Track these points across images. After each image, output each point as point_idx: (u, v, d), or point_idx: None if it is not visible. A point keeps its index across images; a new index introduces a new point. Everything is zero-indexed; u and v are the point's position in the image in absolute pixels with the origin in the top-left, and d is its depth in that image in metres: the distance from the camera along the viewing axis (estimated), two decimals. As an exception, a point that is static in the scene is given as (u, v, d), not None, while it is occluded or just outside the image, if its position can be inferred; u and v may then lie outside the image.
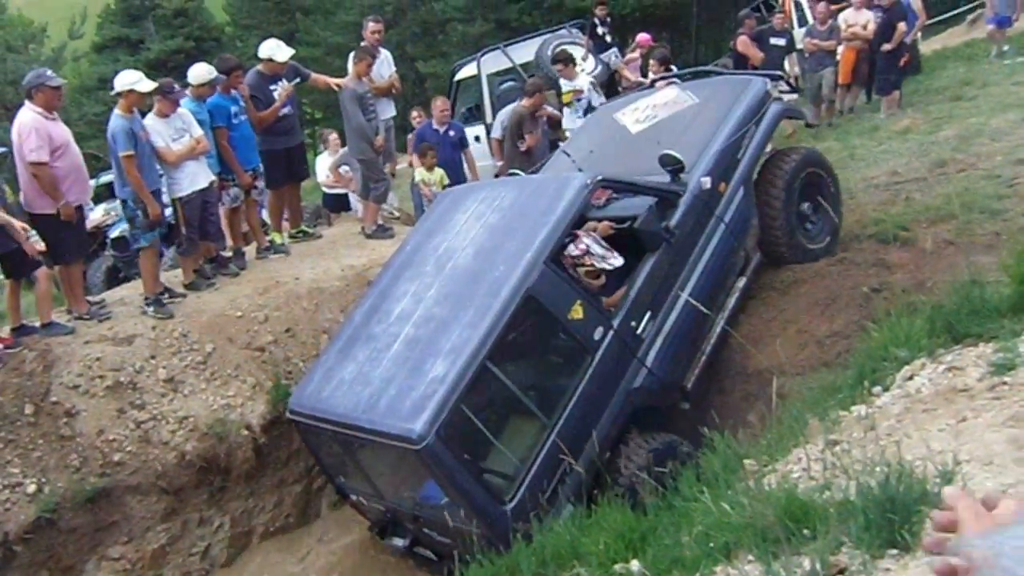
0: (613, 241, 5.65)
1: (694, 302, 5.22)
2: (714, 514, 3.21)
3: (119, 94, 6.79)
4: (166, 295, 7.24)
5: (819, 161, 7.00)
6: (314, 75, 9.05)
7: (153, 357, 6.71)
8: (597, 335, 5.05)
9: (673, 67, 11.48)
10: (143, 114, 7.09)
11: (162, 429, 6.35)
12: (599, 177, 5.43)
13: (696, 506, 3.44)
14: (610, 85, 10.50)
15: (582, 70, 9.85)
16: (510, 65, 11.53)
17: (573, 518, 3.84)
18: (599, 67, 10.55)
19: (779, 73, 7.65)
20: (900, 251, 6.43)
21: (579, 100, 9.49)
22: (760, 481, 3.30)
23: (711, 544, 3.06)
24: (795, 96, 7.79)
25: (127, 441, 6.27)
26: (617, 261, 5.26)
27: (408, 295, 5.20)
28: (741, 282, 6.22)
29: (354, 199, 9.92)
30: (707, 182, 5.91)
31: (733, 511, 3.13)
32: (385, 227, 8.89)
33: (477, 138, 10.92)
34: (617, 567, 3.20)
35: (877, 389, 3.91)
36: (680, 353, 5.54)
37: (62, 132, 6.69)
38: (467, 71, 12.04)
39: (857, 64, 11.44)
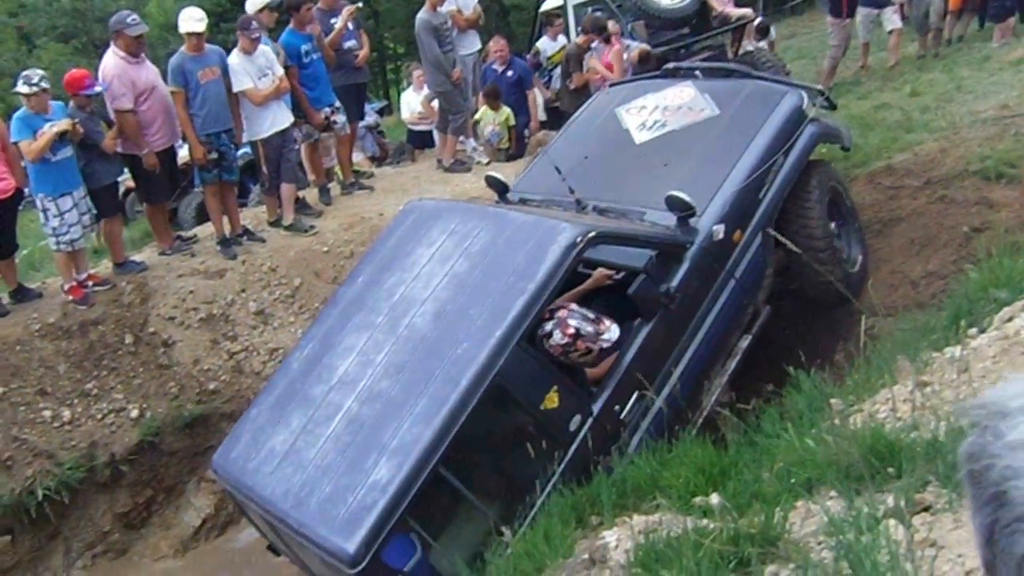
0: (607, 290, 5.05)
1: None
2: (797, 451, 3.27)
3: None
4: (244, 236, 7.51)
5: (836, 174, 6.26)
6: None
7: (243, 290, 7.06)
8: (573, 425, 4.31)
9: (772, 31, 11.14)
10: (228, 51, 7.27)
11: (253, 360, 6.72)
12: (591, 232, 4.46)
13: (778, 443, 3.49)
14: (701, 16, 10.21)
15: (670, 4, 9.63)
16: (598, -6, 11.31)
17: (654, 452, 3.92)
18: (687, -1, 10.26)
19: (820, 87, 6.46)
20: (1005, 189, 6.19)
21: None
22: (845, 420, 3.33)
23: (792, 480, 3.12)
24: (834, 111, 6.48)
25: (221, 371, 6.67)
26: (613, 334, 4.42)
27: (354, 352, 4.48)
28: (745, 341, 5.30)
29: (437, 135, 10.06)
30: (720, 231, 5.01)
31: (816, 448, 3.18)
32: (463, 161, 9.00)
33: None
34: (697, 500, 3.29)
35: (973, 331, 3.85)
36: (667, 435, 4.56)
37: (147, 75, 6.90)
38: (552, 2, 11.88)
39: (970, -12, 10.89)
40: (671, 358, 4.77)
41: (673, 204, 4.88)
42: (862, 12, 10.54)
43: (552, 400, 4.23)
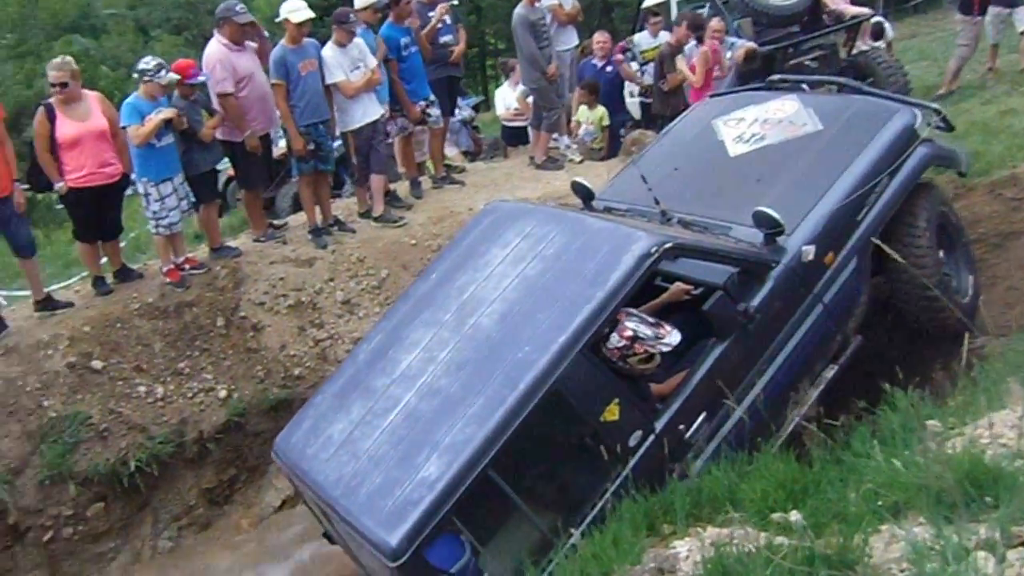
0: (684, 306, 4.93)
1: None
2: (886, 472, 3.12)
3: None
4: (335, 226, 7.70)
5: (944, 197, 5.90)
6: None
7: (331, 279, 7.26)
8: (633, 441, 4.20)
9: (889, 30, 10.67)
10: (323, 43, 7.45)
11: (338, 348, 6.88)
12: (668, 243, 4.39)
13: (867, 463, 3.35)
14: (813, 13, 9.89)
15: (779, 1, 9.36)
16: (703, -9, 11.13)
17: (733, 464, 3.81)
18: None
19: (936, 105, 6.10)
20: None
21: None
22: (942, 443, 3.16)
23: (879, 502, 2.98)
24: (951, 132, 6.02)
25: (306, 357, 6.88)
26: (673, 339, 4.28)
27: (419, 347, 4.54)
28: (831, 371, 5.00)
29: (531, 131, 10.07)
30: (810, 252, 4.81)
31: (907, 471, 3.03)
32: (555, 159, 8.99)
33: None
34: (775, 516, 3.18)
35: (1094, 355, 3.61)
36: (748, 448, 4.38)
37: (248, 63, 7.14)
38: (656, -2, 11.73)
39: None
40: (744, 381, 4.58)
41: (760, 220, 4.73)
42: (992, 11, 9.98)
43: (612, 412, 4.15)
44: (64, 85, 6.36)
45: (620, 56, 9.94)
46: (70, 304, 6.77)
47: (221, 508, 6.65)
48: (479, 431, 3.92)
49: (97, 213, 6.70)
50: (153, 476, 6.29)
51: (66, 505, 6.03)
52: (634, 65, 10.09)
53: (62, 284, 8.06)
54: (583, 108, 9.47)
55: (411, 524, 3.77)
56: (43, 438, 6.03)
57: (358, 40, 7.44)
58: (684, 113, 7.06)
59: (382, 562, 3.81)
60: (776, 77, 7.02)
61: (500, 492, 3.94)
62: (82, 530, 6.11)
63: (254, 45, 7.32)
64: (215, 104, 7.08)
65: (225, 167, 8.76)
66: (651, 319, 4.32)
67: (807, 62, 8.61)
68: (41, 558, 6.00)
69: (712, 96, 7.37)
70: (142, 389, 6.48)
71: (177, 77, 6.67)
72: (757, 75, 7.99)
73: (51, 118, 6.37)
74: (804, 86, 6.48)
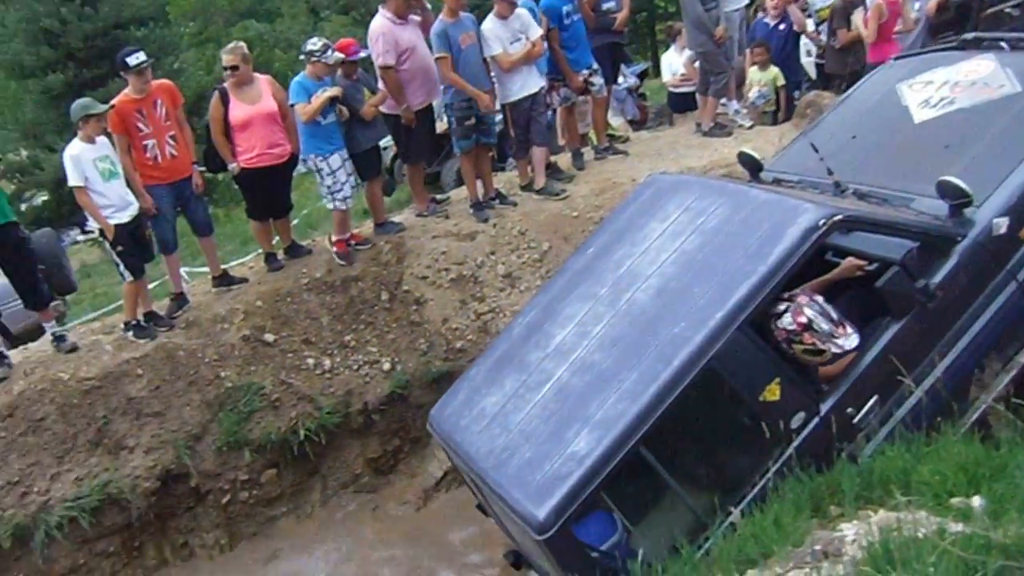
0: (858, 283, 4.68)
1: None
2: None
3: None
4: (496, 199, 7.86)
5: None
6: None
7: (493, 253, 7.45)
8: (796, 422, 4.09)
9: None
10: (481, 18, 7.58)
11: (499, 321, 7.04)
12: (837, 216, 4.21)
13: (1064, 446, 3.12)
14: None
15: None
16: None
17: (909, 445, 3.63)
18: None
19: None
20: None
21: None
22: None
23: (1076, 490, 2.79)
24: None
25: (468, 330, 7.12)
26: (850, 342, 4.08)
27: (574, 321, 4.61)
28: None
29: (698, 97, 9.87)
30: (1002, 225, 4.47)
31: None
32: (723, 125, 8.77)
33: None
34: (954, 501, 3.03)
35: None
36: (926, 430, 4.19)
37: (410, 36, 7.39)
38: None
39: None
40: (922, 364, 4.33)
41: (945, 191, 4.45)
42: None
43: (773, 392, 4.06)
44: (235, 68, 6.84)
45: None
46: (245, 280, 7.31)
47: (386, 477, 7.03)
48: (631, 407, 3.95)
49: (268, 192, 7.19)
50: (321, 445, 6.73)
51: (242, 470, 6.58)
52: (810, 24, 9.68)
53: (239, 261, 8.72)
54: (754, 69, 9.19)
55: (559, 498, 3.85)
56: (220, 407, 6.58)
57: (520, 11, 7.52)
58: (865, 77, 6.69)
59: (530, 535, 3.93)
60: (970, 36, 6.53)
61: (651, 470, 3.97)
62: (257, 494, 6.65)
63: (417, 18, 7.57)
64: (379, 82, 7.38)
65: (390, 144, 9.13)
66: (835, 315, 4.14)
67: (1008, 10, 7.93)
68: (220, 519, 6.59)
69: (897, 58, 6.95)
70: (310, 361, 6.93)
71: (342, 56, 7.02)
72: (951, 27, 7.45)
73: (224, 101, 6.88)
74: (1003, 44, 5.99)
